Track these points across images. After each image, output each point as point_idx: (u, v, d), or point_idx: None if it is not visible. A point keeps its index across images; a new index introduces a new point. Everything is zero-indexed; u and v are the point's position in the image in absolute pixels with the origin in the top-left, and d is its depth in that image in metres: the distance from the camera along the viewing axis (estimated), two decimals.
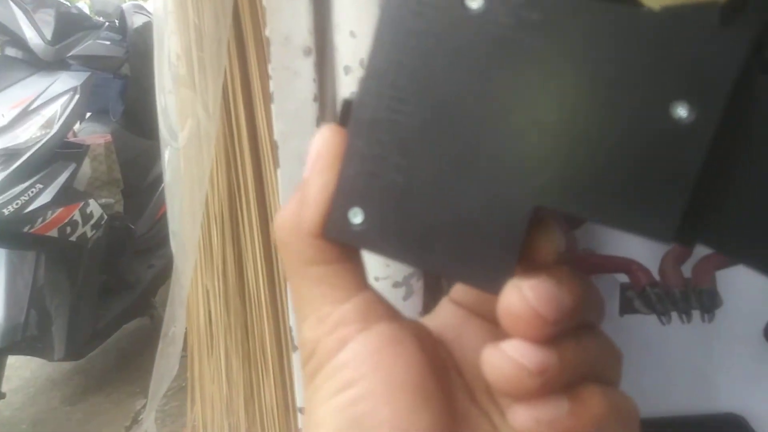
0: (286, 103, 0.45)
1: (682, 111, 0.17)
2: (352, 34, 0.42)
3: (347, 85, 0.43)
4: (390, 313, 0.21)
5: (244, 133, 0.66)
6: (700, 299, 0.50)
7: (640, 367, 0.58)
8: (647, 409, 0.58)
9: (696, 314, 0.51)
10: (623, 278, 0.54)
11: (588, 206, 0.18)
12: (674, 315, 0.51)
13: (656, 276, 0.52)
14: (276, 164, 0.47)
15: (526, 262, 0.19)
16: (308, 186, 0.20)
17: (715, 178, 0.17)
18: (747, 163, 0.17)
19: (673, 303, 0.50)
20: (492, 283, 0.19)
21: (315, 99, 0.45)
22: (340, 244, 0.20)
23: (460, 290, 0.24)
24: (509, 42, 0.18)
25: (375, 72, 0.19)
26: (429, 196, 0.19)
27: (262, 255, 0.70)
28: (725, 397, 0.59)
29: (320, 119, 0.45)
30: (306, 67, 0.44)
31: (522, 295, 0.18)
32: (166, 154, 0.79)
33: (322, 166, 0.20)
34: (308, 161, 0.21)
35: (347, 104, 0.20)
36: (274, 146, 0.46)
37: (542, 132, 0.18)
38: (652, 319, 0.52)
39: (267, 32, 0.44)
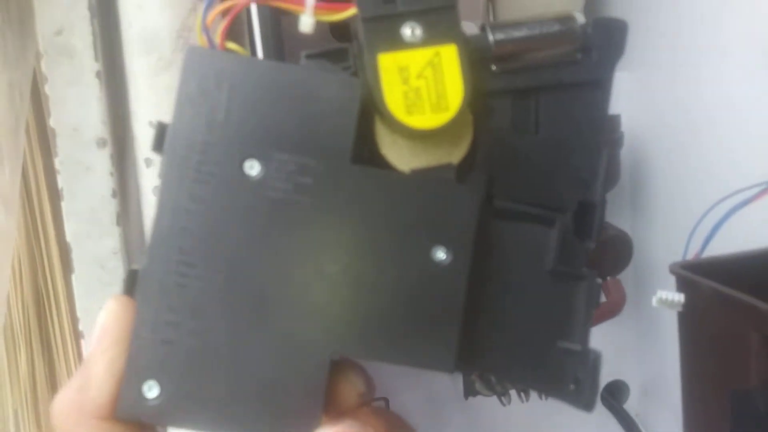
0: (78, 200, 0.39)
1: (440, 254, 0.19)
2: (152, 124, 0.38)
3: (149, 178, 0.39)
4: None
5: (51, 231, 0.59)
6: None
7: None
8: None
9: (534, 392, 0.51)
10: None
11: (378, 351, 0.19)
12: (514, 394, 0.51)
13: None
14: (70, 269, 0.41)
15: (331, 409, 0.19)
16: (92, 365, 0.19)
17: (478, 310, 0.20)
18: (495, 295, 0.20)
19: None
20: None
21: (113, 195, 0.40)
22: (132, 422, 0.19)
23: None
24: (287, 204, 0.19)
25: (160, 239, 0.19)
26: (227, 358, 0.19)
27: (78, 367, 0.61)
28: None
29: (120, 216, 0.40)
30: (100, 160, 0.39)
31: None
32: None
33: (108, 343, 0.19)
34: (92, 338, 0.20)
35: (133, 274, 0.19)
36: (66, 249, 0.40)
37: (326, 285, 0.19)
38: (495, 399, 0.51)
39: (51, 123, 0.39)
